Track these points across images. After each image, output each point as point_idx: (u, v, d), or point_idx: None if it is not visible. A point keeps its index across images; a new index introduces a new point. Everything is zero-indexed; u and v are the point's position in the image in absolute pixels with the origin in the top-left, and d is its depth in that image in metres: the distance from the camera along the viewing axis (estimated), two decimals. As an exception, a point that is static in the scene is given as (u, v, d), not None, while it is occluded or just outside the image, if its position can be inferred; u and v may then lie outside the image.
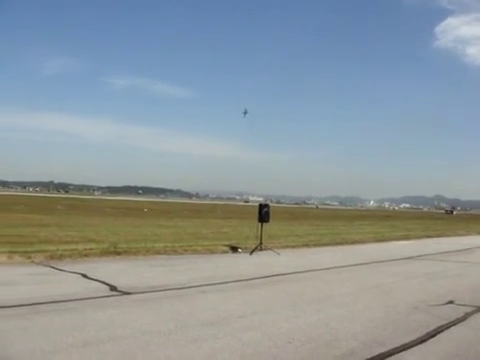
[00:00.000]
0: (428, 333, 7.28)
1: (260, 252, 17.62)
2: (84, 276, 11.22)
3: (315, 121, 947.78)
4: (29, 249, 14.14)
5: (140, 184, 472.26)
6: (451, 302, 9.83)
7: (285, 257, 16.97)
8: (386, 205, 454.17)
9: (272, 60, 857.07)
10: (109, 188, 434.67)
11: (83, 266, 12.55)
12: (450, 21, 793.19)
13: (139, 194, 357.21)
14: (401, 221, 61.00)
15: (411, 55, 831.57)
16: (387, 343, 6.70)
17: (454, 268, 16.18)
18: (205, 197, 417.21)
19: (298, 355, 6.15)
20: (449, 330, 7.61)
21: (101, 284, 10.32)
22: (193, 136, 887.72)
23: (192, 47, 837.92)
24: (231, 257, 16.91)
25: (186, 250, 16.90)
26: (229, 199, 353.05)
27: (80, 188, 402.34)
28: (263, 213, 18.60)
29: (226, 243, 19.30)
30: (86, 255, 14.38)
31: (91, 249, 15.24)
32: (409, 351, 6.45)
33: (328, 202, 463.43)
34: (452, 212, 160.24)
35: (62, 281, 10.67)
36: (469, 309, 9.18)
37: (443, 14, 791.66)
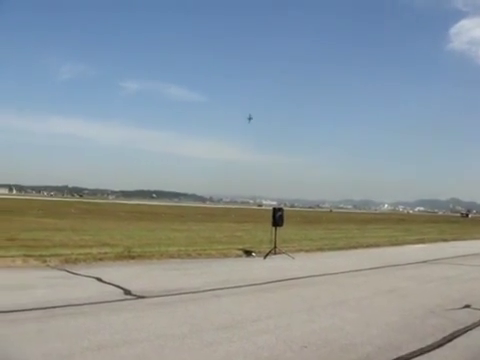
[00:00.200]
0: (444, 338, 7.20)
1: (274, 256, 17.57)
2: (99, 280, 11.26)
3: (329, 124, 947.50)
4: (44, 253, 14.24)
5: (154, 188, 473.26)
6: (468, 306, 9.72)
7: (299, 261, 16.90)
8: (400, 208, 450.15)
9: (280, 64, 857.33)
10: (123, 192, 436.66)
11: (97, 270, 12.59)
12: (464, 23, 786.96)
13: (153, 198, 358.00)
14: (416, 224, 60.49)
15: (424, 57, 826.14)
16: (403, 347, 6.63)
17: (470, 272, 16.00)
18: (219, 201, 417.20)
19: (313, 359, 6.11)
20: (466, 334, 7.52)
21: (115, 288, 10.35)
22: (207, 140, 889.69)
23: (203, 51, 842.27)
24: (245, 261, 16.87)
25: (200, 254, 16.90)
26: (243, 203, 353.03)
27: (94, 192, 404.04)
28: (277, 217, 18.52)
29: (240, 247, 19.26)
30: (100, 259, 14.44)
31: (105, 253, 15.30)
32: (426, 355, 6.40)
33: (342, 206, 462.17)
34: (468, 215, 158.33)
35: (77, 285, 10.71)
36: (486, 313, 9.07)
37: (457, 16, 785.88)
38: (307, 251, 20.31)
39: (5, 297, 8.96)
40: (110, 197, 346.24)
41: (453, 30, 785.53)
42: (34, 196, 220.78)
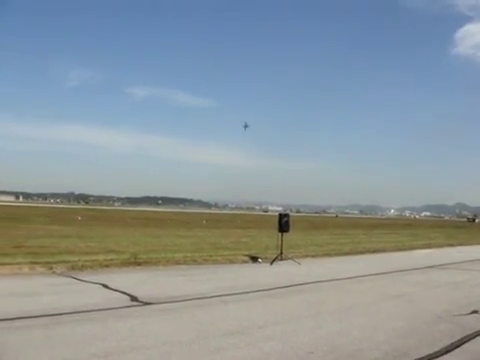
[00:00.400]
0: (452, 343, 7.14)
1: (280, 262, 17.52)
2: (105, 286, 11.27)
3: (336, 129, 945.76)
4: (50, 260, 14.28)
5: (159, 194, 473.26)
6: (475, 312, 9.64)
7: (306, 267, 16.85)
8: (407, 214, 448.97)
9: (297, 69, 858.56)
10: (128, 199, 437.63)
11: (104, 276, 12.60)
12: (469, 27, 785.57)
13: (159, 204, 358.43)
14: (422, 229, 60.30)
15: (429, 62, 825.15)
16: (411, 353, 6.59)
17: (478, 277, 15.93)
18: (224, 207, 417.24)
19: (320, 365, 6.09)
20: (474, 340, 7.46)
21: (122, 294, 10.36)
22: (212, 146, 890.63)
23: (210, 57, 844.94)
24: (251, 267, 16.84)
25: (206, 260, 16.90)
26: (248, 209, 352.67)
27: (100, 199, 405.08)
28: (283, 223, 18.48)
29: (246, 253, 19.23)
30: (107, 266, 14.46)
31: (111, 260, 15.32)
32: (434, 361, 6.35)
33: (348, 211, 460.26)
34: (474, 220, 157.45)
35: (83, 291, 10.73)
36: (495, 319, 9.01)
37: (462, 21, 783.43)
38: (313, 257, 20.27)
39: (12, 304, 8.99)
40: (116, 204, 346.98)
41: (458, 35, 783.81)
42: (40, 203, 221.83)
